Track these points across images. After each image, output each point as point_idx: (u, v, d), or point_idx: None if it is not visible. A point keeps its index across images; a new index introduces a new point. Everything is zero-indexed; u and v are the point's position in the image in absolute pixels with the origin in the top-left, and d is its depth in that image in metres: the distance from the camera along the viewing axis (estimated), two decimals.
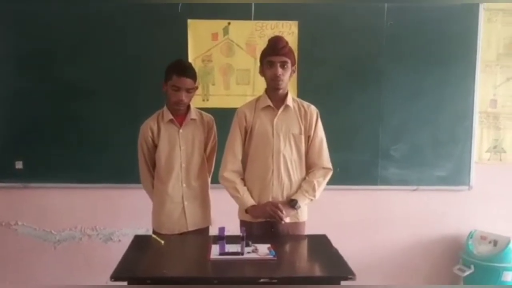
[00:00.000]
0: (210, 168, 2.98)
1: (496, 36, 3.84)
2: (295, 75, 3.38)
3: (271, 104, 2.71)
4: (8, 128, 3.72)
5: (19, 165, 3.70)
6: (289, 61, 2.64)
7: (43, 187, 3.75)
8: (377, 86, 3.78)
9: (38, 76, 3.67)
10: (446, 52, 3.78)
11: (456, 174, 3.87)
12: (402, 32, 3.75)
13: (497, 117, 3.92)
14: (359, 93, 3.77)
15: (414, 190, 3.88)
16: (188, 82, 2.72)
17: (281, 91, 2.69)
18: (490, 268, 3.64)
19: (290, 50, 2.67)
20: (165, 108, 2.83)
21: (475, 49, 3.77)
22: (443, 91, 3.81)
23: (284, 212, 2.62)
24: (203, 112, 2.95)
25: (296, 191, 2.72)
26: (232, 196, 2.74)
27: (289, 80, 2.70)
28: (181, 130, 2.81)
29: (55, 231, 3.84)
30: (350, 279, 2.03)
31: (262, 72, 2.71)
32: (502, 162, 3.94)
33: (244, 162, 2.77)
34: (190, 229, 2.84)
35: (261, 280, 2.02)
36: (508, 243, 3.63)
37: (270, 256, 2.27)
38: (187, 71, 2.75)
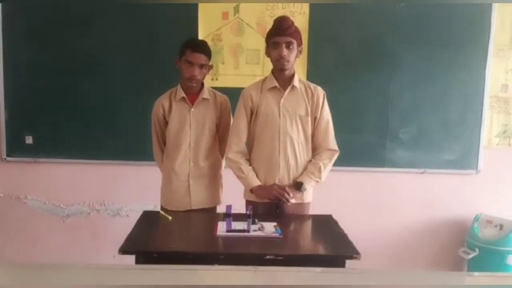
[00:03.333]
0: (224, 148, 2.97)
1: (510, 20, 3.79)
2: (304, 56, 3.38)
3: (278, 85, 2.70)
4: (18, 103, 3.73)
5: (29, 140, 3.73)
6: (294, 42, 2.61)
7: (52, 162, 3.78)
8: (388, 68, 3.76)
9: (49, 51, 3.68)
10: (459, 34, 3.74)
11: (464, 158, 3.86)
12: (414, 14, 3.70)
13: (508, 102, 3.89)
14: (369, 74, 3.75)
15: (422, 173, 3.87)
16: (201, 57, 2.72)
17: (287, 72, 2.68)
18: (495, 252, 3.65)
19: (296, 30, 2.65)
20: (178, 86, 2.83)
21: (489, 32, 3.74)
22: (454, 74, 3.78)
23: (290, 194, 2.64)
24: (217, 92, 2.94)
25: (302, 173, 2.73)
26: (237, 176, 2.75)
27: (295, 61, 2.69)
28: (192, 109, 2.81)
29: (64, 205, 3.87)
30: (355, 258, 2.06)
31: (267, 53, 2.70)
32: (511, 147, 3.92)
33: (250, 143, 2.78)
34: (193, 207, 2.85)
35: (267, 257, 2.04)
36: None
37: (276, 234, 2.29)
38: (201, 47, 2.76)
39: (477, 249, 3.70)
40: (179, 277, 1.50)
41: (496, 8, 3.72)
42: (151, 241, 2.29)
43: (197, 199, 2.87)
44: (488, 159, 3.85)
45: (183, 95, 2.80)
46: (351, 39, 3.73)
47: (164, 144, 2.92)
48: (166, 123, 2.85)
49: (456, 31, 3.74)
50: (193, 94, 2.82)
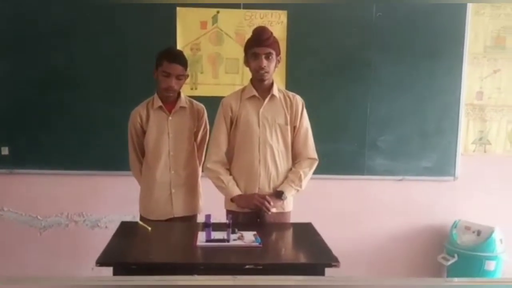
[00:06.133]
0: (201, 157, 2.98)
1: (483, 29, 3.87)
2: (282, 64, 3.40)
3: (257, 94, 2.71)
4: None
5: (5, 151, 3.67)
6: (274, 52, 2.63)
7: (29, 173, 3.73)
8: (365, 77, 3.80)
9: (25, 61, 3.63)
10: (434, 44, 3.80)
11: (442, 165, 3.91)
12: (391, 24, 3.76)
13: (483, 109, 3.95)
14: (347, 83, 3.79)
15: (400, 180, 3.91)
16: (178, 68, 2.72)
17: (266, 81, 2.69)
18: (473, 257, 3.70)
19: (275, 41, 2.66)
20: (155, 95, 2.83)
21: (463, 41, 3.80)
22: (431, 82, 3.83)
23: (271, 203, 2.64)
24: (194, 101, 2.95)
25: (283, 182, 2.73)
26: (217, 186, 2.74)
27: (274, 71, 2.70)
28: (170, 118, 2.81)
29: (41, 216, 3.82)
30: (335, 266, 2.06)
31: (246, 62, 2.71)
32: (487, 154, 3.98)
33: (230, 152, 2.77)
34: (176, 215, 2.85)
35: (247, 266, 2.04)
36: (491, 233, 3.70)
37: (256, 243, 2.29)
38: (178, 57, 2.76)
39: (456, 255, 3.74)
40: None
41: (470, 18, 3.78)
42: (129, 252, 2.27)
43: (179, 207, 2.87)
44: (465, 165, 3.91)
45: (160, 104, 2.80)
46: (328, 48, 3.76)
47: (142, 154, 2.91)
48: (144, 132, 2.84)
49: (431, 41, 3.80)
50: (170, 103, 2.82)
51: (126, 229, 2.57)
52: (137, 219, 2.86)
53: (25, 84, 3.65)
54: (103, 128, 3.65)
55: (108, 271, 2.04)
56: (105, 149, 3.66)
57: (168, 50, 2.79)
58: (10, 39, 3.62)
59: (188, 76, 2.87)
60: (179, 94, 2.84)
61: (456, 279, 2.24)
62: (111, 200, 3.77)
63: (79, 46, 3.64)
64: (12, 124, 3.69)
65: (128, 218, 2.87)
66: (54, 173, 3.74)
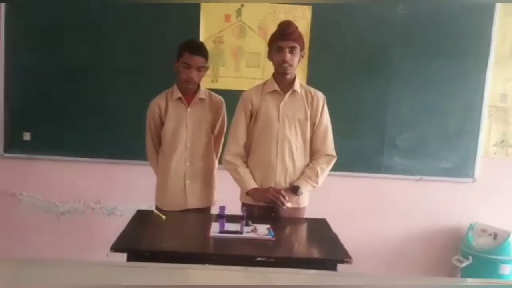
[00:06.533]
0: (218, 149, 2.99)
1: (511, 30, 3.79)
2: (305, 60, 3.38)
3: (278, 89, 2.71)
4: (17, 100, 3.74)
5: (26, 136, 3.74)
6: (298, 46, 2.62)
7: (49, 159, 3.78)
8: (387, 75, 3.77)
9: (47, 53, 3.69)
10: (459, 44, 3.75)
11: (461, 167, 3.86)
12: (415, 22, 3.72)
13: (506, 112, 3.89)
14: (369, 81, 3.76)
15: (418, 180, 3.88)
16: (199, 60, 2.73)
17: (288, 76, 2.69)
18: (488, 260, 3.65)
19: (300, 35, 2.66)
20: (175, 86, 2.84)
21: (489, 42, 3.74)
22: (454, 83, 3.79)
23: (286, 198, 2.64)
24: (213, 93, 2.95)
25: (299, 177, 2.73)
26: (234, 178, 2.76)
27: (297, 65, 2.70)
28: (189, 109, 2.82)
29: (59, 202, 3.87)
30: (347, 262, 2.06)
31: (270, 56, 2.71)
32: (508, 157, 3.92)
33: (249, 145, 2.78)
34: (189, 207, 2.86)
35: (258, 258, 2.04)
36: (508, 236, 3.64)
37: (269, 237, 2.30)
38: (199, 49, 2.77)
39: (470, 258, 3.70)
40: (168, 275, 1.50)
41: (498, 19, 3.72)
42: (143, 240, 2.30)
43: (193, 199, 2.88)
44: (485, 168, 3.85)
45: (180, 95, 2.81)
46: (351, 45, 3.74)
47: (159, 145, 2.92)
48: (162, 123, 2.85)
49: (457, 40, 3.75)
50: (189, 94, 2.83)
51: (141, 217, 2.60)
52: (153, 208, 2.88)
53: (47, 73, 3.71)
54: (124, 116, 3.67)
55: (122, 257, 2.07)
56: (123, 138, 3.69)
57: (189, 42, 2.80)
58: (32, 29, 3.68)
59: (208, 68, 2.87)
60: (198, 86, 2.85)
61: (469, 280, 2.23)
62: (128, 189, 3.80)
63: (103, 36, 3.68)
64: (34, 111, 3.75)
65: (144, 208, 2.90)
66: (73, 160, 3.79)
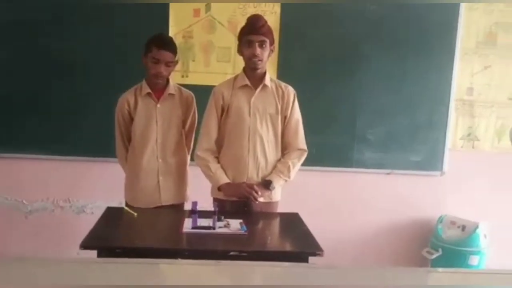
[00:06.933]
0: (189, 145, 2.97)
1: (476, 24, 3.86)
2: (275, 55, 3.39)
3: (249, 83, 2.70)
4: None
5: None
6: (267, 40, 2.62)
7: (16, 157, 3.70)
8: (357, 70, 3.80)
9: (14, 46, 3.60)
10: (426, 38, 3.80)
11: (430, 160, 3.92)
12: (384, 17, 3.75)
13: (472, 105, 3.96)
14: (338, 75, 3.78)
15: (388, 173, 3.93)
16: (168, 55, 2.71)
17: (259, 70, 2.68)
18: (458, 252, 3.72)
19: (269, 29, 2.66)
20: (143, 81, 2.81)
21: (455, 36, 3.80)
22: (422, 77, 3.84)
23: (259, 192, 2.64)
24: (183, 88, 2.93)
25: (271, 172, 2.73)
26: (205, 174, 2.75)
27: (267, 60, 2.69)
28: (158, 105, 2.79)
29: (26, 201, 3.80)
30: (318, 255, 2.08)
31: (240, 51, 2.70)
32: (475, 150, 4.00)
33: (221, 140, 2.77)
34: (163, 203, 2.85)
35: (231, 253, 2.05)
36: (476, 228, 3.72)
37: (241, 231, 2.30)
38: (168, 44, 2.74)
39: (440, 250, 3.77)
40: (140, 270, 1.48)
41: (463, 14, 3.78)
42: (114, 237, 2.27)
43: (167, 195, 2.86)
44: (452, 161, 3.92)
45: (149, 90, 2.78)
46: (320, 40, 3.75)
47: (129, 141, 2.89)
48: (131, 119, 2.82)
49: (424, 35, 3.80)
50: (158, 90, 2.80)
51: (111, 215, 2.56)
52: (123, 205, 2.85)
53: (12, 68, 3.61)
54: (92, 113, 3.61)
55: (93, 255, 2.03)
56: (93, 135, 3.63)
57: (157, 36, 2.77)
58: (8, 25, 3.57)
59: (177, 63, 2.86)
60: (167, 81, 2.82)
61: (440, 269, 2.27)
62: (98, 186, 3.75)
63: (68, 32, 3.60)
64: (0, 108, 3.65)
65: (114, 205, 2.86)
66: (41, 158, 3.70)
